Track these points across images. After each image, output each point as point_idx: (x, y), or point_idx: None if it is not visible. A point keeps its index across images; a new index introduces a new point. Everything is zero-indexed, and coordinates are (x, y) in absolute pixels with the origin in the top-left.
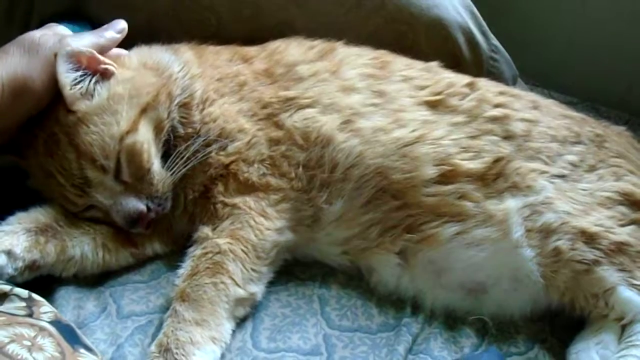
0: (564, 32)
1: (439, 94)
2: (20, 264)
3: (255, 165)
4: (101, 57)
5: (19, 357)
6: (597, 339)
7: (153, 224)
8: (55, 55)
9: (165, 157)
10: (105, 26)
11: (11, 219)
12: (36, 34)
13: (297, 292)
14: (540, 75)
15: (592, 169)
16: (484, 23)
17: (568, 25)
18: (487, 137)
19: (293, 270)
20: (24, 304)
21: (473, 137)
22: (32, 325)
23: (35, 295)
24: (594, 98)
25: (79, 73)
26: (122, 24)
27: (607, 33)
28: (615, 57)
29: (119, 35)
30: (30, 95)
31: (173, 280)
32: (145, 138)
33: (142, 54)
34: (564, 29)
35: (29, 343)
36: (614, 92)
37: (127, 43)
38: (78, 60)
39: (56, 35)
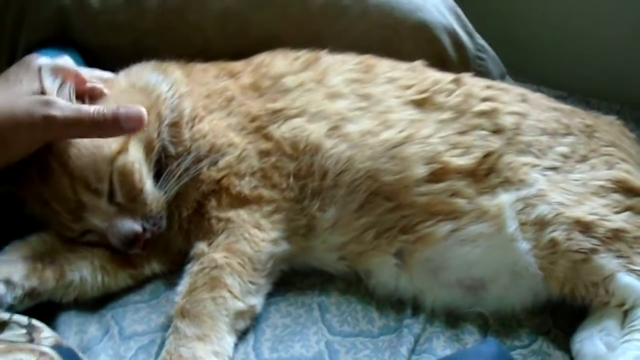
0: (550, 26)
1: (424, 92)
2: (19, 292)
3: (247, 178)
4: (86, 77)
5: None
6: (600, 326)
7: (150, 244)
8: (40, 68)
9: (157, 177)
10: (116, 105)
11: (8, 247)
12: (21, 92)
13: (297, 302)
14: (529, 72)
15: (583, 159)
16: (468, 23)
17: (554, 19)
18: (476, 132)
19: (291, 280)
20: (24, 330)
21: (462, 133)
22: (32, 350)
23: (35, 321)
24: (583, 91)
25: (61, 81)
26: (138, 113)
27: (594, 24)
28: (604, 48)
29: (122, 119)
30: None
31: (173, 298)
32: (135, 158)
33: (131, 75)
34: (551, 23)
35: None
36: (604, 83)
37: (114, 64)
38: (65, 76)
39: (42, 102)
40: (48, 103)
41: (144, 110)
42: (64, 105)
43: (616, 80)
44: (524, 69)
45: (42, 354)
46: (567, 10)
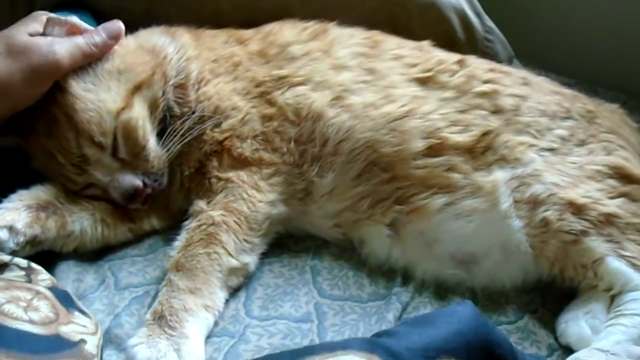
0: (560, 13)
1: (429, 70)
2: (21, 238)
3: (249, 141)
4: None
5: (15, 315)
6: (587, 308)
7: (151, 200)
8: (47, 19)
9: (162, 136)
10: (99, 27)
11: (13, 196)
12: (24, 36)
13: (290, 264)
14: (537, 58)
15: (582, 143)
16: (478, 4)
17: (564, 5)
18: (476, 111)
19: (287, 243)
20: (23, 272)
21: (462, 112)
22: (28, 289)
23: (34, 264)
24: (591, 79)
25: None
26: (117, 27)
27: (605, 13)
28: (613, 37)
29: (111, 42)
30: (4, 99)
31: (169, 253)
32: (140, 115)
33: (139, 37)
34: (561, 9)
35: (24, 304)
36: (612, 73)
37: (126, 30)
38: (71, 31)
39: (46, 41)
40: (52, 42)
41: (120, 23)
42: (61, 40)
43: (624, 71)
44: (532, 55)
45: (38, 292)
46: None
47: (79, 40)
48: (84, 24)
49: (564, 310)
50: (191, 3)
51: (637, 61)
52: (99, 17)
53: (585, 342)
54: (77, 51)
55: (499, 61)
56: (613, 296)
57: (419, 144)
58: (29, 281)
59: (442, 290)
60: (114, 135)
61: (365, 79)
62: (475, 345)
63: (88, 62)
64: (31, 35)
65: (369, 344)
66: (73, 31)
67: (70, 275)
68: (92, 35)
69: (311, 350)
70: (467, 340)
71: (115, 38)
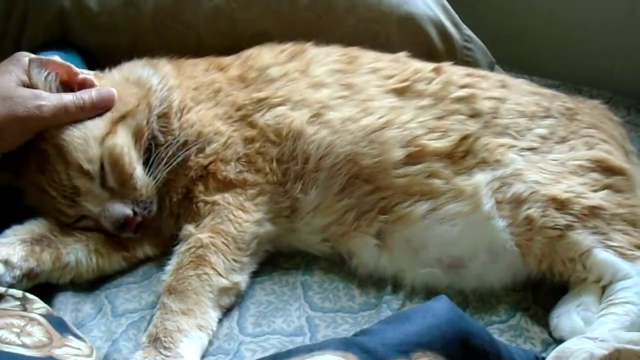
0: (541, 15)
1: (405, 80)
2: (17, 272)
3: (232, 164)
4: (78, 69)
5: (8, 340)
6: (578, 301)
7: (142, 228)
8: (30, 61)
9: (148, 165)
10: (92, 90)
11: (7, 231)
12: (11, 84)
13: (281, 281)
14: (520, 62)
15: (563, 140)
16: (455, 14)
17: (545, 8)
18: (454, 116)
19: (277, 261)
20: (18, 302)
21: (439, 118)
22: (22, 316)
23: (29, 295)
24: (575, 80)
25: (47, 72)
26: (109, 93)
27: (585, 13)
28: (595, 37)
29: (100, 107)
30: None
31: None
32: (124, 142)
33: (123, 70)
34: (541, 12)
35: (18, 330)
36: (595, 72)
37: (111, 63)
38: (54, 68)
39: (33, 95)
40: (39, 96)
41: (114, 90)
42: (50, 96)
43: (607, 68)
44: (515, 60)
45: (32, 319)
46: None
47: (67, 99)
48: (71, 66)
49: (556, 305)
50: (174, 34)
51: (619, 59)
52: (84, 55)
53: (579, 334)
54: (62, 111)
55: (480, 68)
56: (603, 287)
57: (399, 153)
58: (24, 310)
59: (432, 296)
60: (100, 163)
61: (343, 94)
62: (450, 337)
63: (72, 120)
64: (22, 83)
65: (345, 343)
66: (68, 75)
67: (69, 306)
68: (82, 96)
69: (289, 353)
70: (441, 332)
71: (105, 105)
